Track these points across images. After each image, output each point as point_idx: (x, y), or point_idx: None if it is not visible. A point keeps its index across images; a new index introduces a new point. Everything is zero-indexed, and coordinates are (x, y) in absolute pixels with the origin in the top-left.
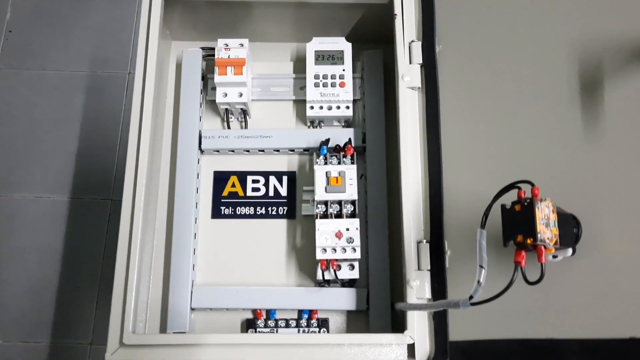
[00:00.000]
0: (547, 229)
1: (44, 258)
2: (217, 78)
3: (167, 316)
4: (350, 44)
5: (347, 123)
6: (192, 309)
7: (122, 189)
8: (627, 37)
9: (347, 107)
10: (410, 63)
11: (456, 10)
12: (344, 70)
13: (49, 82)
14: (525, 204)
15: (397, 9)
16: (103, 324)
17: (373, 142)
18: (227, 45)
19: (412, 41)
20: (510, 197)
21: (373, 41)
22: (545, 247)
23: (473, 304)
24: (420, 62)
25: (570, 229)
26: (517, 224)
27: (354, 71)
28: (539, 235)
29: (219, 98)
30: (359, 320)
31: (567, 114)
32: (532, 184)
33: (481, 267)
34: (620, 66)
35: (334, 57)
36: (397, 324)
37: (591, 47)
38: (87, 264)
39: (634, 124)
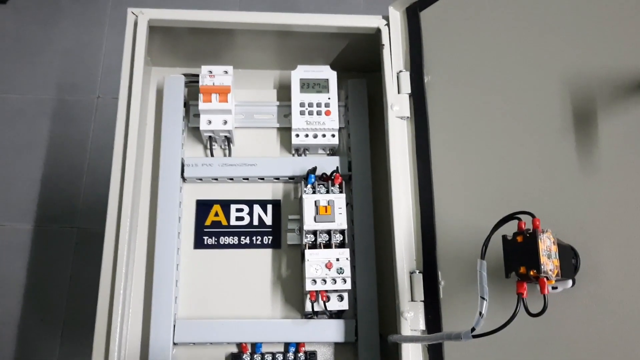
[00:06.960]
0: (549, 260)
1: (5, 290)
2: (202, 105)
3: (147, 352)
4: (334, 73)
5: (333, 151)
6: (175, 344)
7: (89, 217)
8: (618, 70)
9: (333, 135)
10: (399, 93)
11: (444, 42)
12: (329, 98)
13: (13, 107)
14: (528, 235)
15: (384, 40)
16: None
17: (359, 170)
18: (211, 72)
19: (400, 71)
20: (506, 228)
21: (356, 70)
22: (547, 279)
23: (475, 337)
24: (409, 91)
25: (569, 260)
26: (520, 255)
27: (338, 99)
28: (542, 267)
29: (203, 125)
30: (348, 352)
31: (560, 145)
32: (533, 215)
33: (482, 298)
34: (613, 98)
35: (319, 86)
36: (387, 356)
37: (581, 79)
38: (52, 296)
39: (628, 156)
